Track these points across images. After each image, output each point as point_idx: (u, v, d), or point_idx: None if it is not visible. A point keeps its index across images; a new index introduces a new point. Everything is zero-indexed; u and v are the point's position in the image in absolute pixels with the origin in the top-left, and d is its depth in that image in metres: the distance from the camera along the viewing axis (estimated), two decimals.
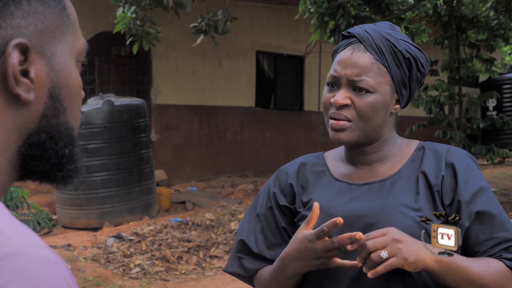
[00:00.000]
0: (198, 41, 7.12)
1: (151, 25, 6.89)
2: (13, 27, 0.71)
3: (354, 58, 1.41)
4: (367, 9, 7.87)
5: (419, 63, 1.45)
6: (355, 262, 1.33)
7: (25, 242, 0.62)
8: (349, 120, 1.40)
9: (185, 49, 10.26)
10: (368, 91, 1.39)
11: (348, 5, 7.49)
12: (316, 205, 1.37)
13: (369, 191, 1.44)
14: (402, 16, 8.29)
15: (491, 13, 8.97)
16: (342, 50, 1.44)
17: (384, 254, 1.27)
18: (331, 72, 1.44)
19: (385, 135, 1.46)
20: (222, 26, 6.80)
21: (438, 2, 8.97)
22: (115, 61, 10.81)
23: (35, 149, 0.74)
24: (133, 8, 6.62)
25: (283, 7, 11.44)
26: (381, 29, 1.45)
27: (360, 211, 1.40)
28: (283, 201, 1.53)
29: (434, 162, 1.43)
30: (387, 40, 1.42)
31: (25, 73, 0.71)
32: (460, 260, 1.32)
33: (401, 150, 1.48)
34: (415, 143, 1.51)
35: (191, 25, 7.03)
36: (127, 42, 6.98)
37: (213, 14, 6.93)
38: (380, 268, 1.28)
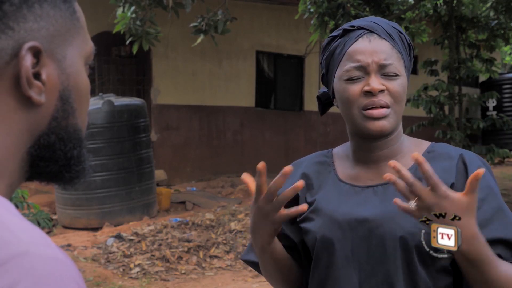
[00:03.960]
0: (198, 41, 7.12)
1: (151, 25, 6.89)
2: (26, 30, 0.72)
3: (376, 45, 1.39)
4: (367, 9, 7.88)
5: (413, 50, 1.48)
6: (301, 207, 1.30)
7: (35, 242, 0.62)
8: (387, 106, 1.37)
9: (185, 49, 10.27)
10: (396, 74, 1.38)
11: (348, 5, 7.49)
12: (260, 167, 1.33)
13: (373, 194, 1.41)
14: (402, 16, 8.29)
15: (491, 13, 8.97)
16: (354, 42, 1.40)
17: (413, 204, 1.21)
18: (353, 64, 1.39)
19: (400, 126, 1.45)
20: (222, 26, 6.80)
21: (438, 2, 8.96)
22: (115, 61, 10.81)
23: (45, 150, 0.75)
24: (133, 8, 6.62)
25: (283, 7, 11.44)
26: (382, 19, 1.47)
27: (363, 216, 1.38)
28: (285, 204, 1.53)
29: (444, 168, 1.39)
30: (393, 27, 1.43)
31: (37, 76, 0.72)
32: (489, 254, 1.26)
33: (409, 150, 1.45)
34: (425, 145, 1.47)
35: (191, 24, 7.03)
36: (127, 42, 6.98)
37: (213, 14, 6.93)
38: (400, 204, 1.22)
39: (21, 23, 0.71)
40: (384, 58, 1.38)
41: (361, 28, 1.41)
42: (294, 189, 1.29)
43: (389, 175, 1.22)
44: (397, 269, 1.35)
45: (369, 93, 1.37)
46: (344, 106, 1.42)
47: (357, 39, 1.40)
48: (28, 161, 0.75)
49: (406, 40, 1.44)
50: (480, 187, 1.35)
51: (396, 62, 1.39)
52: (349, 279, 1.39)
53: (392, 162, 1.20)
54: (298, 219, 1.51)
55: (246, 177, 1.34)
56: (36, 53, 0.72)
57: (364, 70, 1.38)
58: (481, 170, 1.18)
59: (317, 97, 1.52)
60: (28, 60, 0.71)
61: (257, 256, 1.46)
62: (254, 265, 1.58)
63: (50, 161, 0.76)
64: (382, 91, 1.37)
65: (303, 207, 1.31)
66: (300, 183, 1.28)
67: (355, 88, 1.38)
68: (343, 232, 1.40)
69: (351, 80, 1.39)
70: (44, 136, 0.75)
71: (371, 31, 1.40)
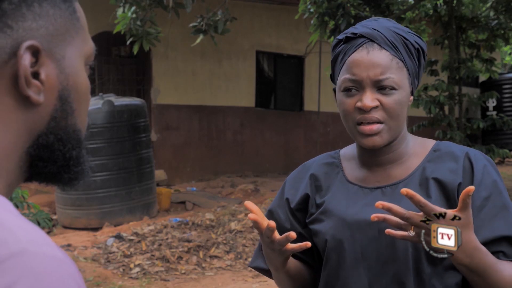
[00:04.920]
0: (198, 40, 7.12)
1: (151, 25, 6.89)
2: (25, 29, 0.71)
3: (373, 58, 1.36)
4: (367, 9, 7.87)
5: (424, 52, 1.44)
6: (305, 243, 1.32)
7: (34, 240, 0.62)
8: (380, 122, 1.36)
9: (185, 49, 10.27)
10: (393, 89, 1.36)
11: (348, 5, 7.49)
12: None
13: (382, 195, 1.42)
14: (402, 16, 8.28)
15: (491, 13, 8.96)
16: (353, 53, 1.38)
17: (412, 233, 1.24)
18: (348, 76, 1.37)
19: (403, 131, 1.44)
20: (222, 26, 6.80)
21: (438, 2, 8.96)
22: (115, 61, 10.81)
23: (43, 150, 0.75)
24: (133, 8, 6.62)
25: (283, 7, 11.44)
26: (386, 24, 1.42)
27: None
28: (295, 206, 1.54)
29: (450, 168, 1.39)
30: (397, 34, 1.39)
31: (35, 75, 0.72)
32: (491, 262, 1.27)
33: (415, 150, 1.45)
34: (430, 143, 1.47)
35: (191, 24, 7.03)
36: (128, 42, 6.98)
37: (213, 14, 6.93)
38: (396, 233, 1.25)
39: (20, 22, 0.71)
40: (381, 73, 1.35)
41: (362, 36, 1.39)
42: (287, 238, 1.30)
43: (376, 216, 1.25)
44: (407, 268, 1.36)
45: (362, 109, 1.36)
46: (341, 116, 1.43)
47: (356, 49, 1.38)
48: (26, 161, 0.74)
49: (413, 45, 1.40)
50: (485, 185, 1.37)
51: (394, 74, 1.36)
52: (359, 279, 1.40)
53: (404, 190, 1.21)
54: (307, 221, 1.52)
55: (250, 205, 1.32)
56: (35, 52, 0.71)
57: (359, 84, 1.37)
58: (471, 187, 1.19)
59: (334, 90, 1.52)
60: (26, 59, 0.70)
61: (272, 272, 1.47)
62: (263, 271, 1.59)
63: (48, 161, 0.76)
64: (375, 107, 1.36)
65: (307, 243, 1.32)
66: (292, 234, 1.29)
67: (350, 102, 1.38)
68: (352, 233, 1.41)
69: (347, 91, 1.38)
70: (42, 136, 0.74)
71: (372, 40, 1.38)
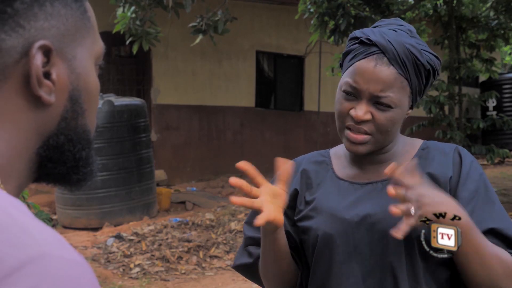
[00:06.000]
0: (197, 40, 7.11)
1: (151, 25, 6.89)
2: (37, 29, 0.71)
3: (378, 72, 1.35)
4: (367, 9, 7.87)
5: (436, 72, 1.44)
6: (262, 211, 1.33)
7: (52, 244, 0.61)
8: (367, 134, 1.38)
9: (185, 49, 10.26)
10: (389, 107, 1.37)
11: (348, 5, 7.48)
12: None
13: (372, 190, 1.44)
14: (402, 16, 8.28)
15: (491, 13, 8.97)
16: (363, 59, 1.38)
17: (412, 210, 1.25)
18: (350, 81, 1.38)
19: (394, 138, 1.47)
20: (222, 26, 6.80)
21: (438, 2, 8.97)
22: (115, 61, 10.80)
23: (53, 151, 0.74)
24: (133, 8, 6.62)
25: (283, 7, 11.44)
26: (404, 39, 1.40)
27: (364, 212, 1.41)
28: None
29: (441, 162, 1.43)
30: (411, 53, 1.38)
31: (46, 75, 0.71)
32: (479, 234, 1.30)
33: (405, 150, 1.48)
34: (419, 142, 1.51)
35: (190, 24, 7.03)
36: (127, 42, 6.98)
37: (213, 14, 6.93)
38: (402, 229, 1.24)
39: (32, 22, 0.70)
40: (381, 89, 1.36)
41: (376, 45, 1.38)
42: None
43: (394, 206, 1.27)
44: (400, 261, 1.38)
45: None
46: (335, 114, 1.44)
47: (365, 57, 1.38)
48: (36, 162, 0.74)
49: (424, 67, 1.40)
50: (473, 178, 1.41)
51: (394, 93, 1.37)
52: (352, 274, 1.41)
53: (389, 169, 1.28)
54: (295, 218, 1.52)
55: (242, 164, 1.37)
56: (47, 52, 0.71)
57: (358, 93, 1.38)
58: (393, 164, 1.30)
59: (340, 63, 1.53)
60: (38, 59, 0.70)
61: (261, 243, 1.45)
62: (246, 268, 1.58)
63: (58, 162, 0.75)
64: (367, 120, 1.37)
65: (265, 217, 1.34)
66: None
67: (346, 105, 1.39)
68: (344, 228, 1.42)
69: (346, 94, 1.40)
70: (53, 137, 0.73)
71: (383, 53, 1.37)
